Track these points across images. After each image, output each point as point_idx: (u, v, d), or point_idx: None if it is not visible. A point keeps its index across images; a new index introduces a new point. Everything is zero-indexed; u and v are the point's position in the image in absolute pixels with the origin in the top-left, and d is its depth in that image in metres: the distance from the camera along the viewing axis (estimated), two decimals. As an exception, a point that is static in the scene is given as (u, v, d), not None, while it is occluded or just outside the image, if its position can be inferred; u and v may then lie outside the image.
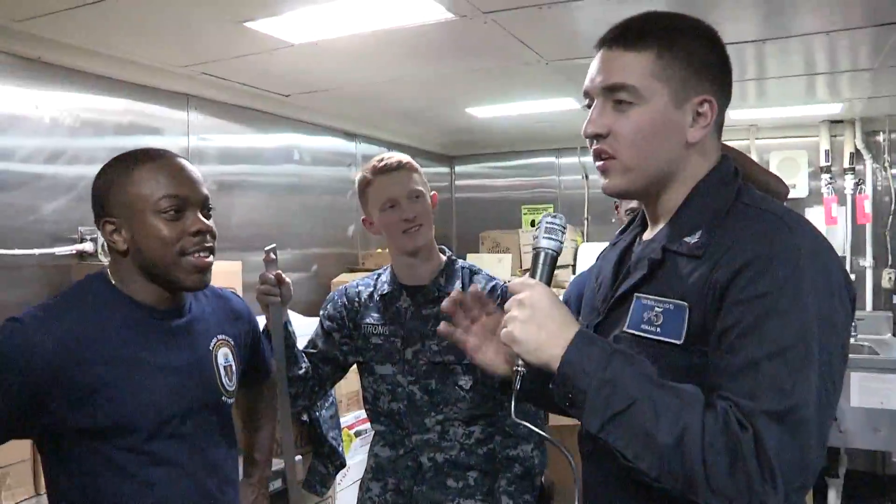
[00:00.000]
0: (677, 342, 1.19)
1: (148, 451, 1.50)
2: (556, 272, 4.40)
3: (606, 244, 2.74)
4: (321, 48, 3.13)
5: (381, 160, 2.12)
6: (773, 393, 1.07)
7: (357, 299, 2.25)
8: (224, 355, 1.71)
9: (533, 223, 6.09)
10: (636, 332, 1.25)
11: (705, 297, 1.16)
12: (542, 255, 1.31)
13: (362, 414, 3.86)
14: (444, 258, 2.21)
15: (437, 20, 2.78)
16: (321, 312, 2.30)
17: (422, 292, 2.15)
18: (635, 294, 1.28)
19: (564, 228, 1.33)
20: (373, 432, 2.30)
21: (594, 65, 1.29)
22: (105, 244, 1.58)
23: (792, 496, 1.09)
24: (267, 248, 1.98)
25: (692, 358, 1.18)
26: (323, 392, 2.31)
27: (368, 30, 2.90)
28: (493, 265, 5.02)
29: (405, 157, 2.14)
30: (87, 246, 3.05)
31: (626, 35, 1.26)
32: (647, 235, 1.37)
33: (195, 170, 1.61)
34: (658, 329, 1.22)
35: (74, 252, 3.04)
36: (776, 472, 1.03)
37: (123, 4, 2.51)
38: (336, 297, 2.28)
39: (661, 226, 1.32)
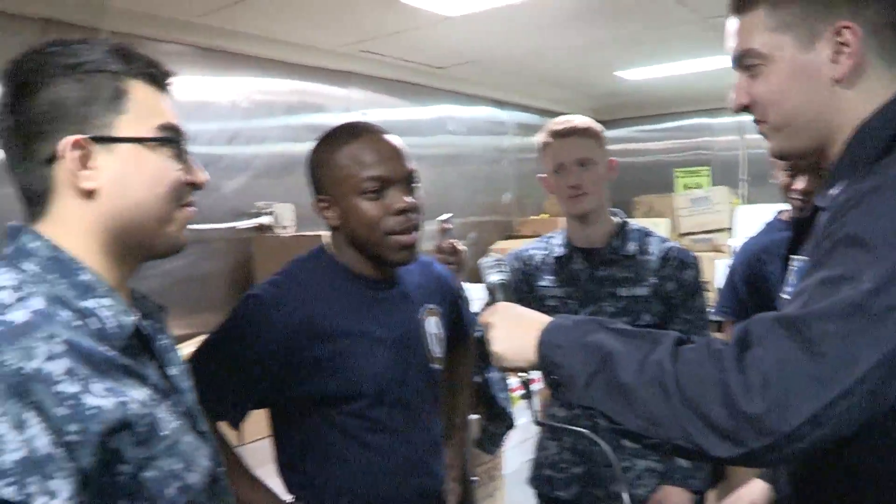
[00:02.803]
0: None
1: (370, 417, 1.58)
2: (712, 236, 4.30)
3: (766, 206, 2.62)
4: (475, 20, 3.18)
5: (559, 123, 2.13)
6: (799, 304, 0.91)
7: (530, 262, 2.28)
8: (433, 324, 1.74)
9: (685, 187, 5.93)
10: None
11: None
12: (494, 287, 1.36)
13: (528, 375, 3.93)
14: (616, 220, 2.21)
15: (591, -16, 2.78)
16: (495, 276, 2.35)
17: (597, 254, 2.16)
18: (790, 256, 1.20)
19: (500, 261, 1.39)
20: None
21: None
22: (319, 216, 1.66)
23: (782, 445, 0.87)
24: (441, 219, 2.04)
25: None
26: None
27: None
28: (649, 230, 4.95)
29: (583, 122, 2.12)
30: (265, 219, 3.28)
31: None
32: None
33: (399, 145, 1.59)
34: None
35: (254, 226, 3.28)
36: (770, 379, 0.86)
37: (291, -9, 2.66)
38: (510, 261, 2.32)
39: None
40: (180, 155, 1.09)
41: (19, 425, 0.81)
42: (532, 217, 5.33)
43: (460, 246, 2.07)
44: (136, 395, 0.95)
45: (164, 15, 2.85)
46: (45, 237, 1.00)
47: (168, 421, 1.00)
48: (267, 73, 3.44)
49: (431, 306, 1.76)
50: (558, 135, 2.12)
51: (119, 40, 2.67)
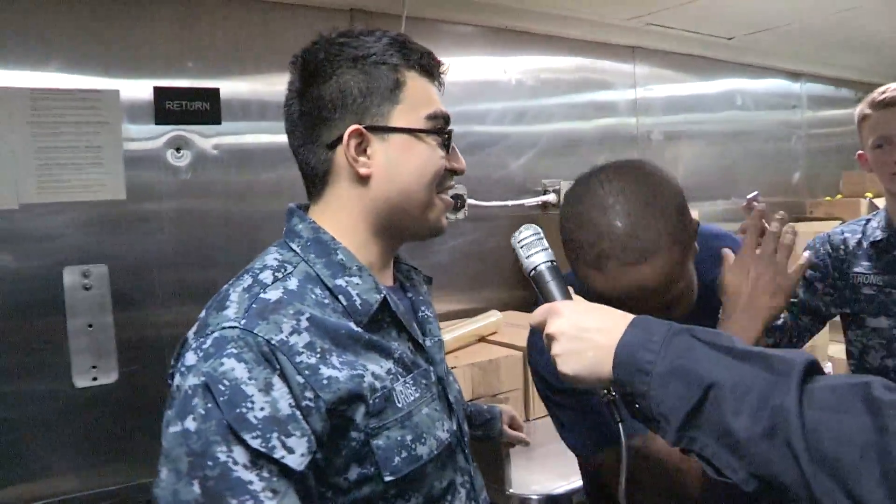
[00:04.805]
0: None
1: None
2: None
3: None
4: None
5: (884, 91, 1.89)
6: None
7: (843, 247, 2.02)
8: None
9: None
10: None
11: None
12: (542, 274, 1.07)
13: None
14: None
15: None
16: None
17: None
18: None
19: (539, 234, 1.11)
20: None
21: None
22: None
23: None
24: (749, 196, 1.85)
25: None
26: (801, 344, 2.14)
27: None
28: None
29: None
30: (551, 197, 3.22)
31: None
32: None
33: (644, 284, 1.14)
34: None
35: (539, 203, 3.22)
36: None
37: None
38: (818, 245, 2.09)
39: None
40: (446, 143, 1.11)
41: (266, 388, 0.89)
42: (826, 198, 4.76)
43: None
44: (375, 370, 1.00)
45: (455, -2, 2.84)
46: (309, 219, 1.09)
47: (406, 394, 1.04)
48: (552, 51, 3.35)
49: None
50: (882, 105, 1.88)
51: (415, 25, 2.70)
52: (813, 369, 0.77)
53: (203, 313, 0.99)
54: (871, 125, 1.90)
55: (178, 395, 0.90)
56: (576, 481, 1.97)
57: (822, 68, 4.80)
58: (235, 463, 0.85)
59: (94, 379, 2.21)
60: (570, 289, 1.07)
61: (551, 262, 1.08)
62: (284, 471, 0.88)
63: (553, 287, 1.06)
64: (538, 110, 3.27)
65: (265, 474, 0.86)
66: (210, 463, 0.85)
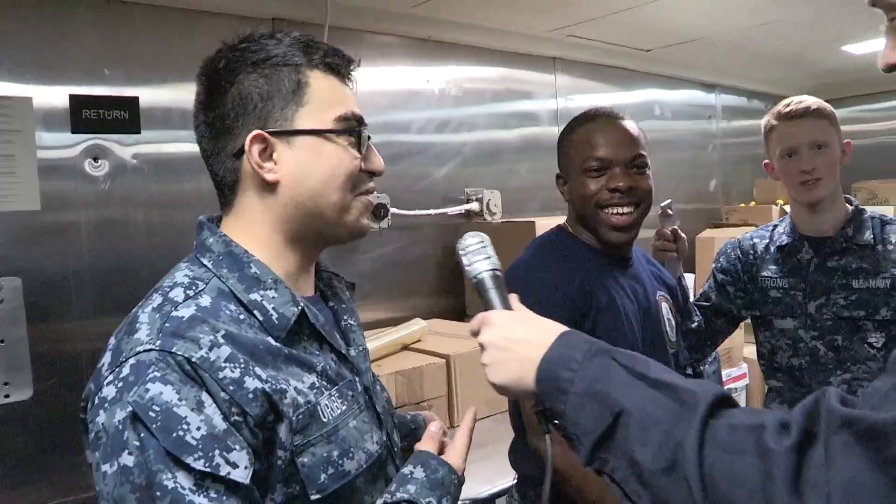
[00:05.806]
0: None
1: None
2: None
3: None
4: (692, -3, 2.96)
5: (788, 104, 1.99)
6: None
7: (752, 252, 2.12)
8: (667, 310, 1.71)
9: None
10: None
11: None
12: (485, 280, 1.08)
13: (733, 372, 3.66)
14: (850, 208, 1.98)
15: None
16: (713, 265, 2.22)
17: (827, 244, 1.97)
18: None
19: (483, 242, 1.11)
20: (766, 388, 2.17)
21: None
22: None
23: None
24: (663, 205, 1.95)
25: None
26: (714, 346, 2.23)
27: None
28: (875, 217, 4.43)
29: (816, 103, 1.96)
30: (474, 206, 3.28)
31: None
32: None
33: (631, 131, 1.62)
34: None
35: (462, 212, 3.28)
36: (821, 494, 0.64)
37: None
38: (729, 250, 2.19)
39: None
40: (359, 143, 1.07)
41: (198, 406, 0.87)
42: (740, 205, 4.96)
43: (681, 232, 1.93)
44: (298, 385, 0.97)
45: (378, 7, 2.88)
46: (219, 232, 1.05)
47: (332, 408, 1.01)
48: (475, 62, 3.42)
49: (663, 293, 1.72)
50: (788, 117, 1.98)
51: (338, 35, 2.70)
52: (721, 402, 0.78)
53: (113, 340, 0.95)
54: (778, 136, 1.99)
55: (106, 433, 0.86)
56: (500, 484, 2.02)
57: (736, 80, 5.01)
58: (182, 488, 0.83)
59: (7, 396, 2.15)
60: (515, 297, 1.09)
61: (494, 270, 1.09)
62: (231, 487, 0.85)
63: (493, 295, 1.07)
64: (461, 120, 3.32)
65: (213, 495, 0.84)
66: (159, 493, 0.82)
